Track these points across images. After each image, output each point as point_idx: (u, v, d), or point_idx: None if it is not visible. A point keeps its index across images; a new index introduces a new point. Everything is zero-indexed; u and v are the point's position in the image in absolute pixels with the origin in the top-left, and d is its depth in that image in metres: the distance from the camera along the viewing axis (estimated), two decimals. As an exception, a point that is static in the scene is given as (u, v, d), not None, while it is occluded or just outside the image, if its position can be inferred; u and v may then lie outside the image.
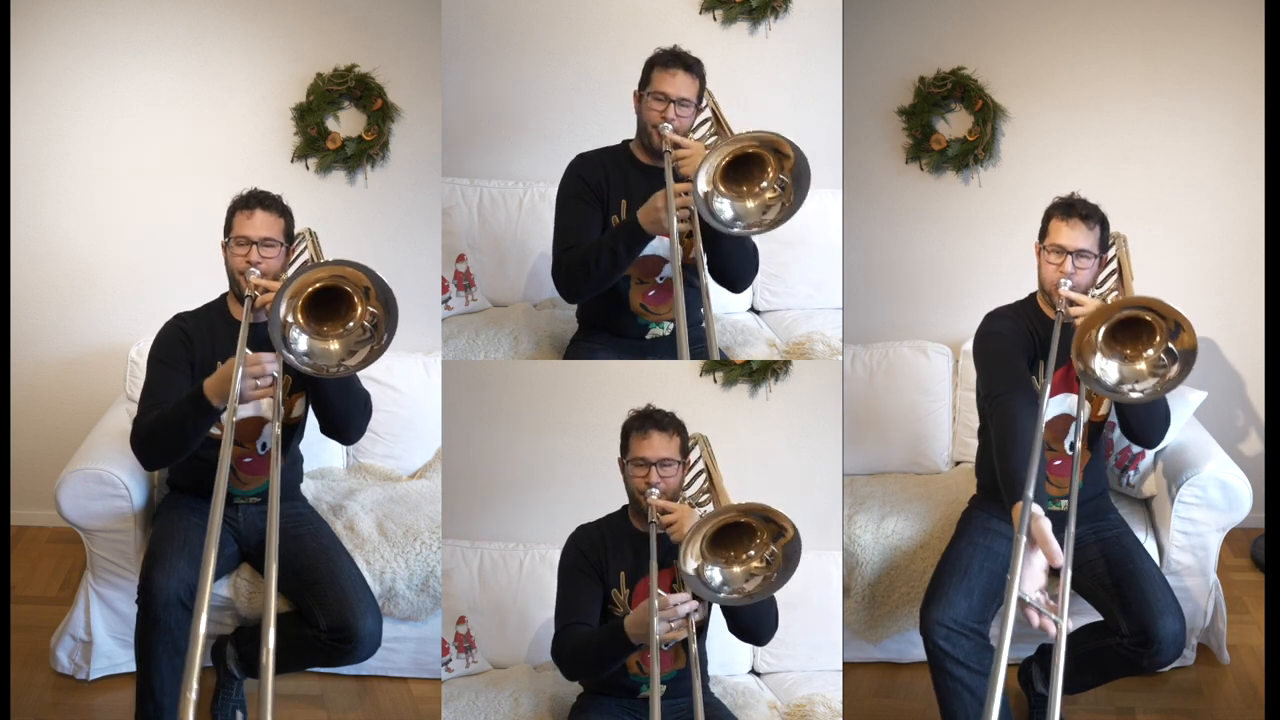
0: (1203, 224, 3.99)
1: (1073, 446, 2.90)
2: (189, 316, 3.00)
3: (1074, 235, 2.81)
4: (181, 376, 2.88)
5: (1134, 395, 2.44)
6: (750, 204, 2.52)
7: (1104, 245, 2.85)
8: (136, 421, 2.83)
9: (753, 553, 2.42)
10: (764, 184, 2.51)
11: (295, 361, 2.43)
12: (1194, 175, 3.96)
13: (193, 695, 1.89)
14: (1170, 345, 2.40)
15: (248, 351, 2.57)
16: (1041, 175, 3.91)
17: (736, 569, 2.42)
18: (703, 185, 2.47)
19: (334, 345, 2.47)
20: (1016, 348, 2.89)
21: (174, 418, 2.72)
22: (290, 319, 2.42)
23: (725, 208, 2.51)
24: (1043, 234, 2.90)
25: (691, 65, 2.72)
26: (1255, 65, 3.85)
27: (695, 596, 2.42)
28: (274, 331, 2.39)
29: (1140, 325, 2.42)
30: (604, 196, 2.79)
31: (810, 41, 3.46)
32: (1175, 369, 2.39)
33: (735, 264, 2.79)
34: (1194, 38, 3.87)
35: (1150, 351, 2.43)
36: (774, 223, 2.51)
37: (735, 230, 2.52)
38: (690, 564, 2.37)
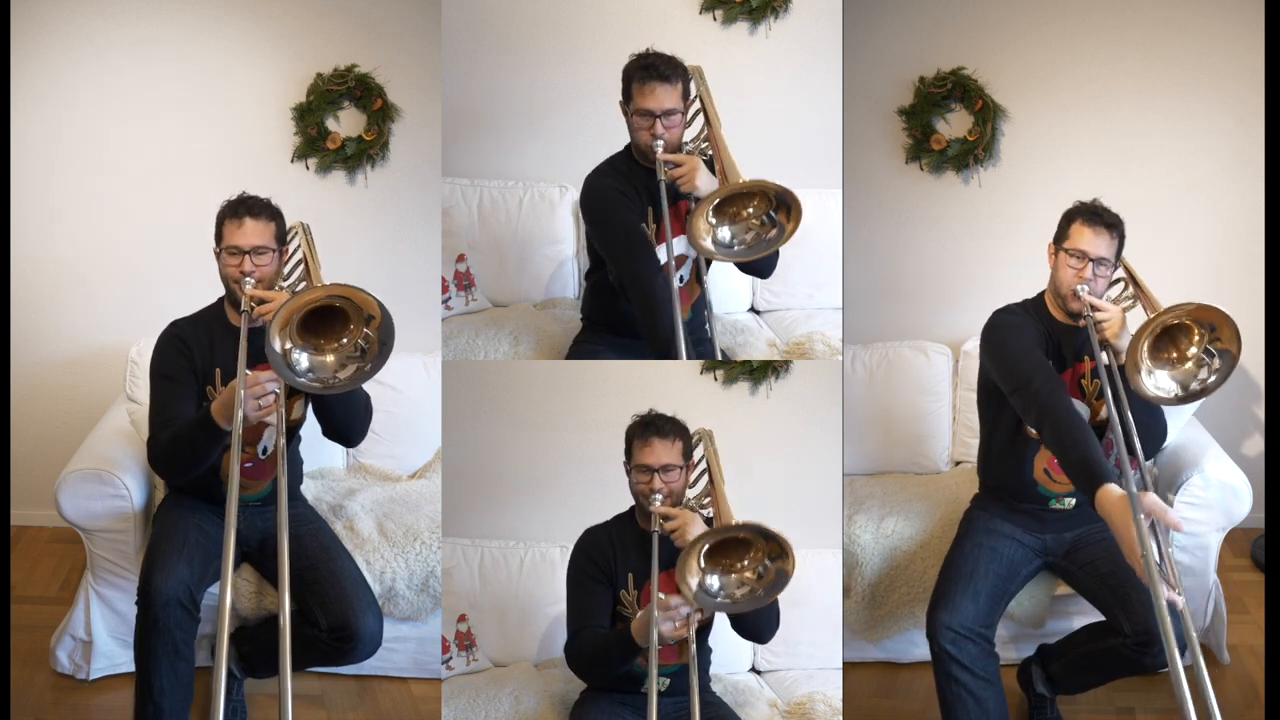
0: (1203, 224, 3.99)
1: None
2: (185, 323, 2.99)
3: (1097, 242, 2.77)
4: (186, 388, 2.89)
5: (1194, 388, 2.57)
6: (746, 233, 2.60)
7: (1119, 255, 2.83)
8: (150, 442, 2.86)
9: (746, 563, 2.45)
10: (749, 211, 2.57)
11: (303, 384, 2.45)
12: (1194, 175, 3.96)
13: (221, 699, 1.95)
14: (1210, 347, 2.54)
15: (248, 372, 2.59)
16: (1041, 175, 3.91)
17: (732, 576, 2.44)
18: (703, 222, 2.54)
19: (330, 358, 2.50)
20: (1035, 340, 2.84)
21: (186, 441, 2.75)
22: (288, 344, 2.44)
23: (723, 233, 2.57)
24: (1060, 236, 2.85)
25: (668, 75, 2.65)
26: (1255, 65, 3.85)
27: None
28: (272, 357, 2.41)
29: (1174, 331, 2.54)
30: (639, 204, 2.76)
31: (810, 41, 3.46)
32: (1217, 363, 2.55)
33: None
34: (1194, 38, 3.87)
35: (1193, 350, 2.55)
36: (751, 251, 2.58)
37: (723, 255, 2.58)
38: (691, 581, 2.40)
